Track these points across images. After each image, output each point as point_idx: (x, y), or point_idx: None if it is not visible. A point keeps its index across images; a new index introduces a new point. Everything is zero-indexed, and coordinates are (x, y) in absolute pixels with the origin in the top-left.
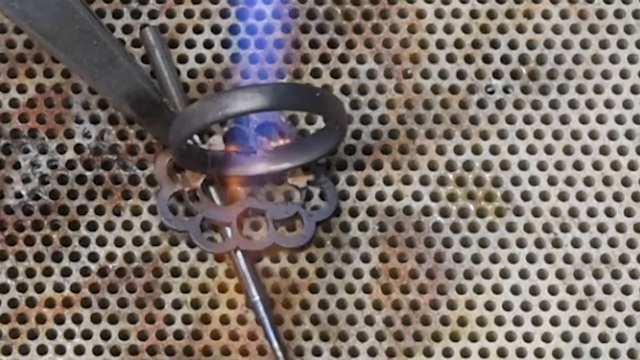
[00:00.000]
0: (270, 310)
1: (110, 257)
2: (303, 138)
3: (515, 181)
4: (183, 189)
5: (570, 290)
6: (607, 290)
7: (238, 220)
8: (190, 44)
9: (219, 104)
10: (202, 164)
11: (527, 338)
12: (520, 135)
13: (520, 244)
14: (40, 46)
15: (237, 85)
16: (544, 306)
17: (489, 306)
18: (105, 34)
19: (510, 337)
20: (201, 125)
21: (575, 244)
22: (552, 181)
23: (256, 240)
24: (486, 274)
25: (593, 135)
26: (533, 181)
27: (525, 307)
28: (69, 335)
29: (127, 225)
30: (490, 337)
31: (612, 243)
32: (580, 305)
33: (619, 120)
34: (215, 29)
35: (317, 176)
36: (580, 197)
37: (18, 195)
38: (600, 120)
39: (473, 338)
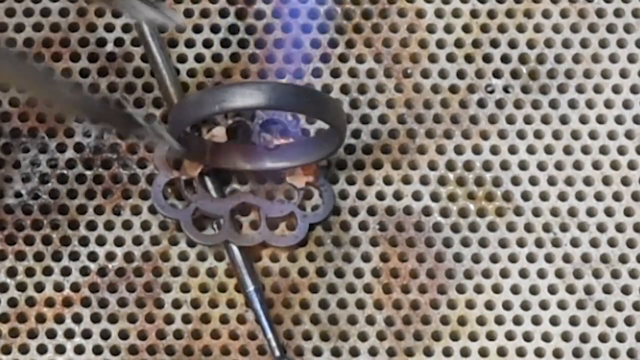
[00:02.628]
0: (265, 299)
1: (110, 256)
2: (305, 139)
3: (516, 181)
4: (179, 177)
5: (570, 290)
6: (606, 289)
7: (232, 214)
8: (189, 44)
9: (217, 97)
10: (200, 154)
11: (527, 337)
12: (521, 135)
13: (521, 243)
14: (41, 45)
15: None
16: (544, 306)
17: (489, 305)
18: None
19: (510, 336)
20: (198, 117)
21: (575, 243)
22: (552, 181)
23: (247, 236)
24: (486, 274)
25: (593, 135)
26: (533, 181)
27: (525, 306)
28: (69, 334)
29: (127, 225)
30: (490, 337)
31: (612, 243)
32: (580, 305)
33: (619, 120)
34: (215, 29)
35: (317, 178)
36: (580, 196)
37: (18, 195)
38: (600, 120)
39: (473, 337)
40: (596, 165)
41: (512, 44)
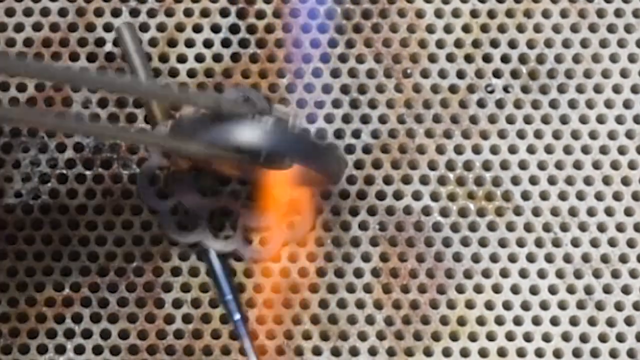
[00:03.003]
0: (242, 308)
1: (110, 256)
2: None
3: (516, 181)
4: (169, 166)
5: (570, 290)
6: (607, 289)
7: (211, 215)
8: (189, 43)
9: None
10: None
11: (528, 338)
12: (521, 134)
13: (520, 243)
14: (41, 45)
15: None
16: (544, 306)
17: (489, 306)
18: None
19: (510, 336)
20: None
21: (575, 243)
22: (552, 181)
23: (221, 241)
24: (486, 274)
25: (593, 135)
26: (533, 181)
27: (525, 306)
28: (69, 334)
29: (127, 225)
30: (490, 337)
31: (612, 242)
32: (580, 305)
33: (619, 119)
34: (215, 28)
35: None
36: (580, 196)
37: (18, 195)
38: (600, 119)
39: (473, 337)
40: (596, 165)
41: (512, 44)
